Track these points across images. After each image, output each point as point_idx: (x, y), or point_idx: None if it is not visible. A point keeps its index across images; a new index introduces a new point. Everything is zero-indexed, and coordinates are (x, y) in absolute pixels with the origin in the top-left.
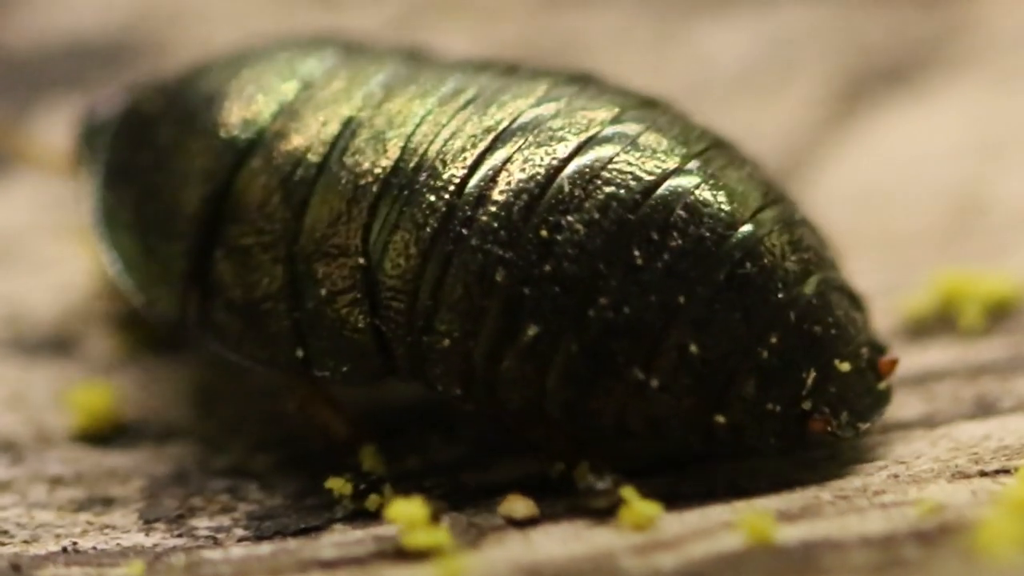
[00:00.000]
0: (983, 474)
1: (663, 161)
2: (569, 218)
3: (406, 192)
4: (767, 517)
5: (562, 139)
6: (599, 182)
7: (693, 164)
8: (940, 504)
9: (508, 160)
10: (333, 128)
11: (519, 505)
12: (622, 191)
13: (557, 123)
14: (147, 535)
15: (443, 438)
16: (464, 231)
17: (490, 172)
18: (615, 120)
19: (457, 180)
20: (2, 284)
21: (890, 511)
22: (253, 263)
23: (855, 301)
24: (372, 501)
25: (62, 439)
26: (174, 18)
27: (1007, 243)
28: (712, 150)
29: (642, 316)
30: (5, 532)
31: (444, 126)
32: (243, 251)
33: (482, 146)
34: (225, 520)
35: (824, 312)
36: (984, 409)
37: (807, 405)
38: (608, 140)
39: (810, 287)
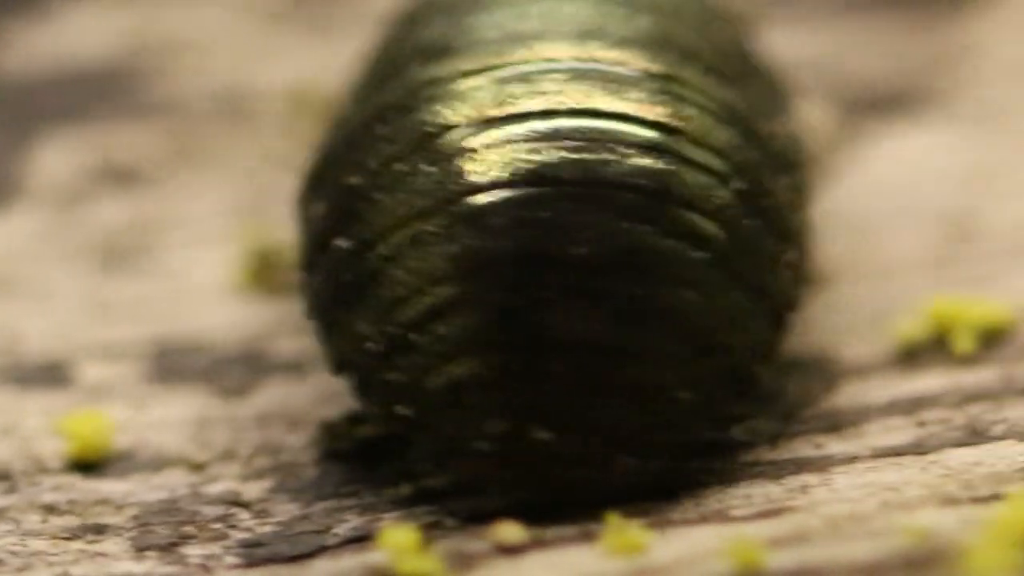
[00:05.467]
0: (974, 501)
1: None
2: None
3: None
4: (757, 544)
5: None
6: None
7: None
8: (930, 531)
9: None
10: None
11: (509, 531)
12: None
13: None
14: (139, 563)
15: (433, 464)
16: None
17: None
18: None
19: None
20: None
21: (880, 538)
22: None
23: None
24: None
25: (56, 467)
26: (171, 46)
27: (999, 269)
28: None
29: None
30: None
31: None
32: None
33: None
34: (216, 548)
35: None
36: (975, 435)
37: None
38: None
39: None
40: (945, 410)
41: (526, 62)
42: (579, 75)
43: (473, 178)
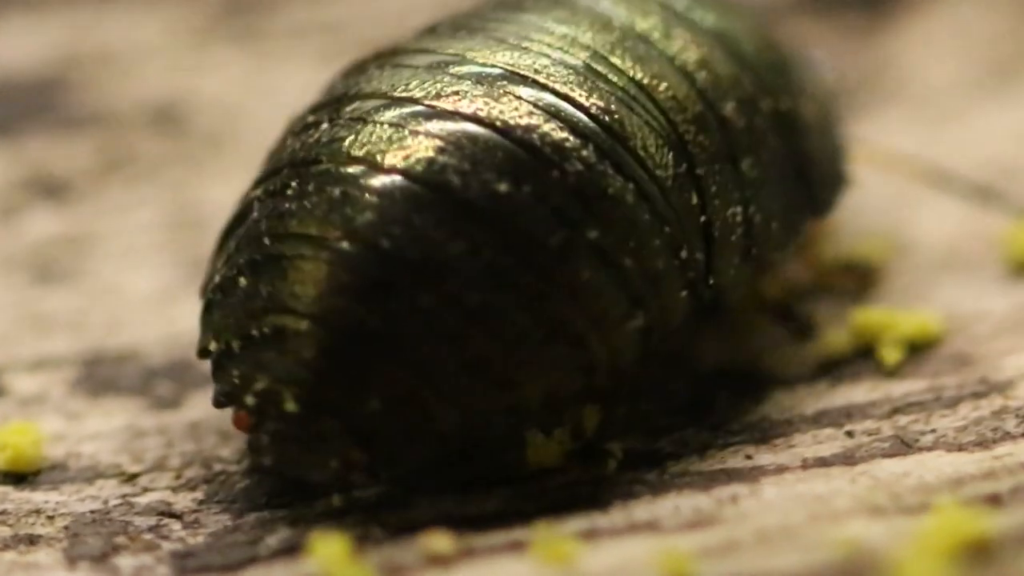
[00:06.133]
0: (902, 512)
1: None
2: None
3: None
4: (686, 555)
5: None
6: None
7: None
8: (859, 542)
9: None
10: None
11: (438, 542)
12: None
13: None
14: (71, 574)
15: (364, 476)
16: None
17: None
18: None
19: None
20: None
21: (809, 549)
22: None
23: None
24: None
25: None
26: (103, 58)
27: (928, 282)
28: None
29: None
30: None
31: None
32: None
33: None
34: (148, 559)
35: None
36: (904, 446)
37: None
38: None
39: None
40: (874, 421)
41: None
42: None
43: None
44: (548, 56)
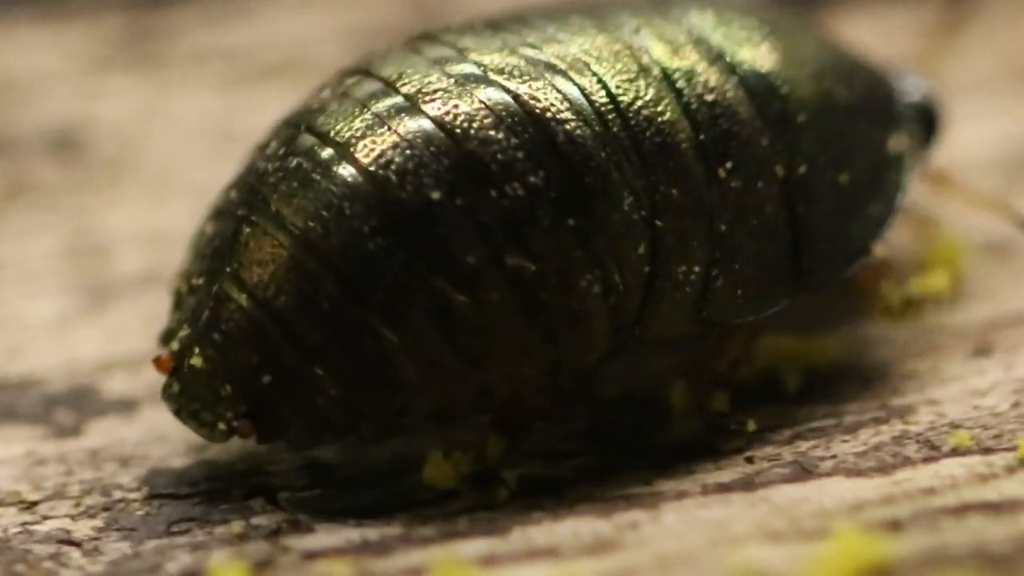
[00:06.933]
0: (801, 537)
1: None
2: None
3: None
4: None
5: None
6: None
7: None
8: (758, 567)
9: None
10: None
11: (337, 568)
12: None
13: None
14: None
15: (265, 501)
16: None
17: None
18: None
19: None
20: None
21: (708, 574)
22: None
23: None
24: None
25: None
26: (2, 84)
27: (826, 310)
28: None
29: None
30: None
31: None
32: None
33: None
34: None
35: None
36: (803, 472)
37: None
38: None
39: None
40: (774, 447)
41: None
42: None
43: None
44: (545, 74)
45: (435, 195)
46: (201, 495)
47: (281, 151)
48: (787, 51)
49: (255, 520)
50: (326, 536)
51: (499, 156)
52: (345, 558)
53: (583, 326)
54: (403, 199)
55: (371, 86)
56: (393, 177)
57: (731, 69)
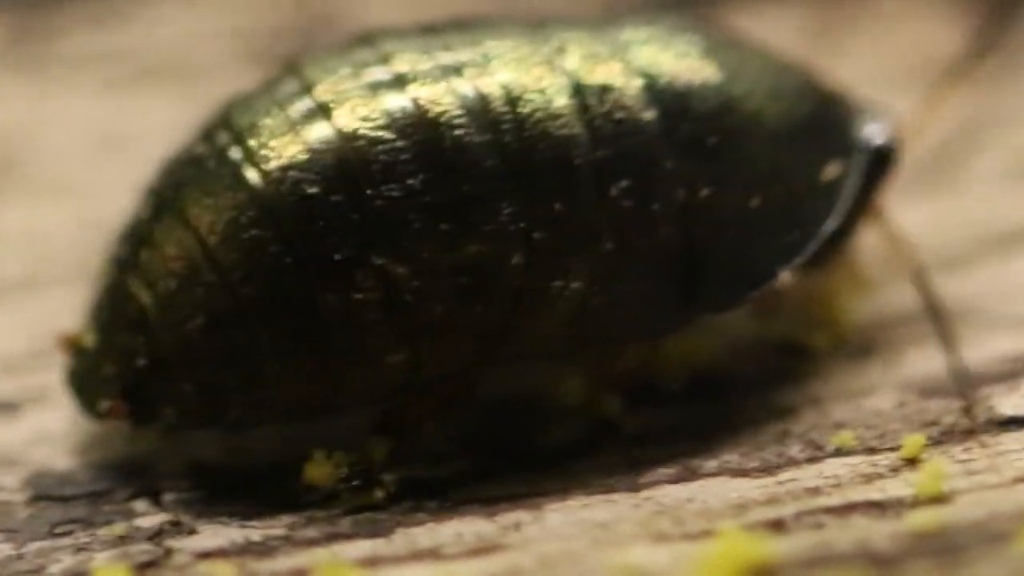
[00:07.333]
0: (686, 537)
1: None
2: None
3: None
4: None
5: None
6: None
7: None
8: (642, 568)
9: None
10: None
11: (220, 570)
12: None
13: None
14: None
15: (149, 502)
16: None
17: None
18: None
19: None
20: None
21: (592, 575)
22: None
23: None
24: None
25: None
26: None
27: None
28: None
29: None
30: None
31: None
32: None
33: None
34: None
35: None
36: (688, 472)
37: None
38: None
39: None
40: (658, 448)
41: None
42: None
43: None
44: (451, 79)
45: (312, 190)
46: (84, 497)
47: (200, 144)
48: (717, 72)
49: (138, 522)
50: (210, 537)
51: (382, 157)
52: (229, 560)
53: (445, 332)
54: (279, 193)
55: (291, 87)
56: (276, 173)
57: (648, 88)
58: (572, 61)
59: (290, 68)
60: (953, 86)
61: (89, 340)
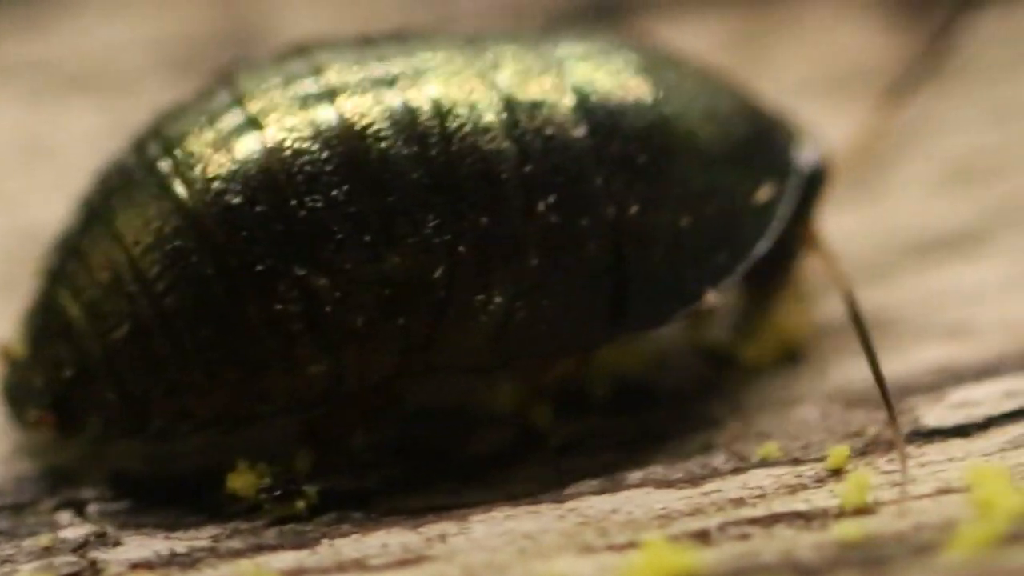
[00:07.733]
0: (610, 548)
1: None
2: None
3: None
4: None
5: None
6: None
7: None
8: None
9: None
10: None
11: None
12: None
13: None
14: None
15: (74, 513)
16: None
17: None
18: None
19: None
20: None
21: None
22: None
23: None
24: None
25: None
26: None
27: None
28: None
29: None
30: None
31: None
32: None
33: None
34: None
35: None
36: (612, 483)
37: None
38: None
39: None
40: (583, 458)
41: None
42: None
43: None
44: (381, 91)
45: (235, 200)
46: (8, 508)
47: (131, 155)
48: (652, 90)
49: (63, 533)
50: (135, 549)
51: (307, 168)
52: (155, 571)
53: (367, 344)
54: (203, 203)
55: (223, 98)
56: (200, 184)
57: (580, 104)
58: (505, 76)
59: (223, 79)
60: (897, 103)
61: (20, 350)
